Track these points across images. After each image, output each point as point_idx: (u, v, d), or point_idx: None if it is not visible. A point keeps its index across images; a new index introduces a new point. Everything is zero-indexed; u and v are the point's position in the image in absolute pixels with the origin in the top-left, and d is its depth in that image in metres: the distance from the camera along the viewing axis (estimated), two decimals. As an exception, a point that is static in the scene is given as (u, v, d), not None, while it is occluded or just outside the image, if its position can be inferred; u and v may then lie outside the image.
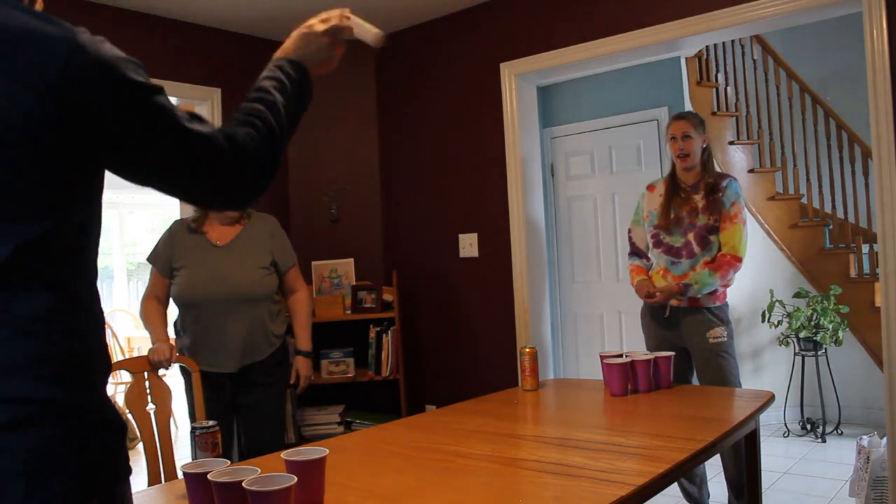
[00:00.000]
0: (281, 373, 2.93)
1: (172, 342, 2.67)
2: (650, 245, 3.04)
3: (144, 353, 2.57)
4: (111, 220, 9.37)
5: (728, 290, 3.00)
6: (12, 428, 0.84)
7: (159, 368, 2.45)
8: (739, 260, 2.85)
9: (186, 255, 2.79)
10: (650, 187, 3.11)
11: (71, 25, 0.91)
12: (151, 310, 2.79)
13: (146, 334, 2.78)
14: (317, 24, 1.20)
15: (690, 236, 2.90)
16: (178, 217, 3.39)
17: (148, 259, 2.87)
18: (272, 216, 3.03)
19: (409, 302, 4.39)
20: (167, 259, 2.80)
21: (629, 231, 3.21)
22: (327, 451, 1.37)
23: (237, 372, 2.77)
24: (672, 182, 3.01)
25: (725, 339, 2.89)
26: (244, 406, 2.83)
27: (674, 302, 2.93)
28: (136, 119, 0.93)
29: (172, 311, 2.93)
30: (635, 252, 3.17)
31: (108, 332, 4.02)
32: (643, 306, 3.10)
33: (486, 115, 4.05)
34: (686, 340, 2.94)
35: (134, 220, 10.05)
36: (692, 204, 2.93)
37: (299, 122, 1.15)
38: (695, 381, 3.00)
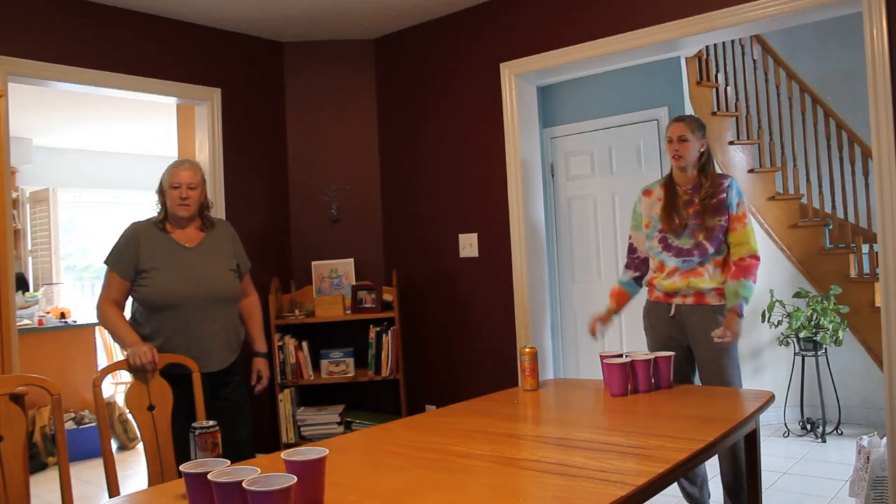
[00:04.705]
0: (242, 371, 2.91)
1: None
2: (658, 249, 3.01)
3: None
4: (109, 220, 9.35)
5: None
6: None
7: (143, 372, 2.35)
8: (759, 258, 2.92)
9: (157, 256, 2.69)
10: (646, 192, 3.07)
11: None
12: (115, 314, 2.64)
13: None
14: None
15: (701, 237, 2.88)
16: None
17: (106, 262, 2.70)
18: (227, 221, 3.05)
19: (409, 302, 4.39)
20: (131, 261, 2.67)
21: (630, 237, 3.18)
22: (327, 451, 1.37)
23: (212, 372, 2.71)
24: (670, 185, 3.00)
25: (730, 338, 2.89)
26: (221, 402, 2.76)
27: (679, 300, 2.93)
28: None
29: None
30: (630, 264, 3.15)
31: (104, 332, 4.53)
32: (647, 305, 3.09)
33: (486, 115, 4.05)
34: (690, 338, 2.94)
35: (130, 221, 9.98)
36: (695, 206, 2.92)
37: None
38: (696, 380, 3.00)
